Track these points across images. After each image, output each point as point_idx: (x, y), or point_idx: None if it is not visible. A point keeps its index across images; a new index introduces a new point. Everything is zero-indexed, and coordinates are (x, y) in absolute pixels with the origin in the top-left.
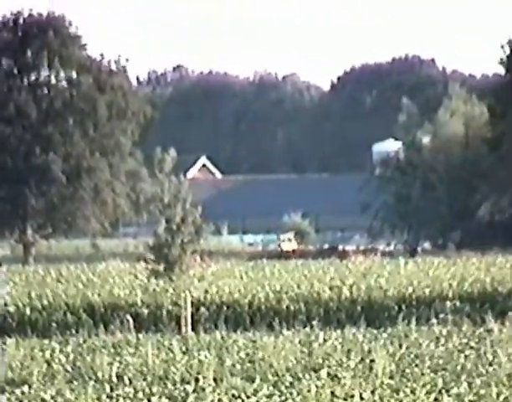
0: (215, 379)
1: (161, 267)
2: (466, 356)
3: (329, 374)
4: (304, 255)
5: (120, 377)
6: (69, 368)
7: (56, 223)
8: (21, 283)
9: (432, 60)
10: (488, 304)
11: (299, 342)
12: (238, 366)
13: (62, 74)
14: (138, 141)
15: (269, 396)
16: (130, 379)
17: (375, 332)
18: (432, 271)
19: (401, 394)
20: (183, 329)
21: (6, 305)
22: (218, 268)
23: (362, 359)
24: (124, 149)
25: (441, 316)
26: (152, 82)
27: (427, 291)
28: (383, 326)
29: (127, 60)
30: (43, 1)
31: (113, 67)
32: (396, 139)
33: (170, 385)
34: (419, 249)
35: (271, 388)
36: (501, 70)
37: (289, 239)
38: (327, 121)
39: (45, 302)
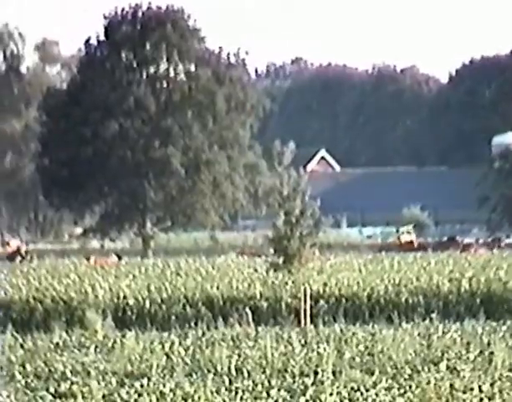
0: (334, 372)
1: (281, 260)
2: None
3: (448, 367)
4: (424, 247)
5: (239, 370)
6: (188, 361)
7: (175, 216)
8: (140, 276)
9: None
10: None
11: (419, 334)
12: (358, 359)
13: (180, 67)
14: (257, 133)
15: (388, 389)
16: (249, 372)
17: (494, 324)
18: None
19: None
20: (302, 322)
21: (125, 298)
22: (337, 261)
23: (481, 352)
24: (243, 142)
25: None
26: (271, 75)
27: None
28: (502, 318)
29: (246, 53)
30: None
31: (232, 60)
32: None
33: (289, 378)
34: None
35: (390, 380)
36: None
37: (409, 232)
38: (446, 114)
39: (164, 295)
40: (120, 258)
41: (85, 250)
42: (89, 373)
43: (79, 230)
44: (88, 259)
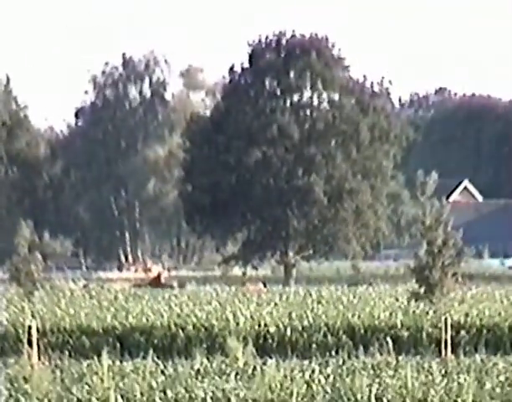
0: None
1: (422, 289)
2: None
3: None
4: None
5: (378, 399)
6: (329, 390)
7: (317, 244)
8: (282, 304)
9: None
10: None
11: None
12: (498, 389)
13: (324, 96)
14: (400, 163)
15: None
16: (389, 401)
17: None
18: None
19: None
20: (443, 352)
21: (266, 325)
22: (478, 291)
23: None
24: (386, 172)
25: None
26: (414, 104)
27: None
28: None
29: (390, 82)
30: (307, 21)
31: (376, 89)
32: None
33: None
34: None
35: None
36: None
37: None
38: None
39: (306, 323)
40: (265, 285)
41: (227, 278)
42: (229, 400)
43: (220, 257)
44: (243, 284)
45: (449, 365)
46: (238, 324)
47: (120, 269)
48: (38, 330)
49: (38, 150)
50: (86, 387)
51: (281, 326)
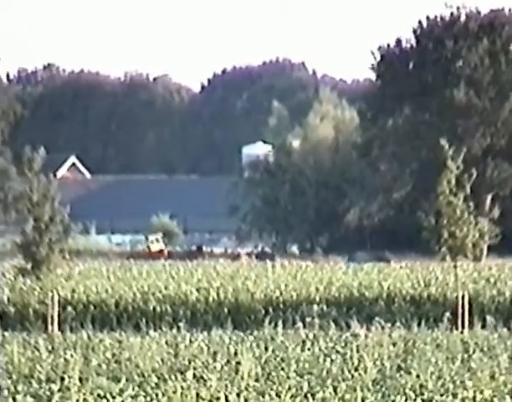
0: (80, 379)
1: (29, 265)
2: (332, 360)
3: (194, 376)
4: (172, 256)
5: None
6: None
7: None
8: None
9: (303, 64)
10: (354, 309)
11: (166, 343)
12: (104, 366)
13: None
14: (7, 139)
15: (135, 396)
16: None
17: (241, 334)
18: (299, 275)
19: (267, 397)
20: (50, 328)
21: None
22: (86, 267)
23: (228, 361)
24: None
25: (307, 319)
26: (22, 80)
27: (294, 294)
28: (249, 328)
29: None
30: None
31: None
32: (266, 142)
33: (35, 384)
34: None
35: (136, 388)
36: (372, 76)
37: (157, 240)
38: (197, 123)
39: None
40: None
41: None
42: None
43: None
44: None
45: (56, 341)
46: None
47: None
48: None
49: None
50: None
51: None
